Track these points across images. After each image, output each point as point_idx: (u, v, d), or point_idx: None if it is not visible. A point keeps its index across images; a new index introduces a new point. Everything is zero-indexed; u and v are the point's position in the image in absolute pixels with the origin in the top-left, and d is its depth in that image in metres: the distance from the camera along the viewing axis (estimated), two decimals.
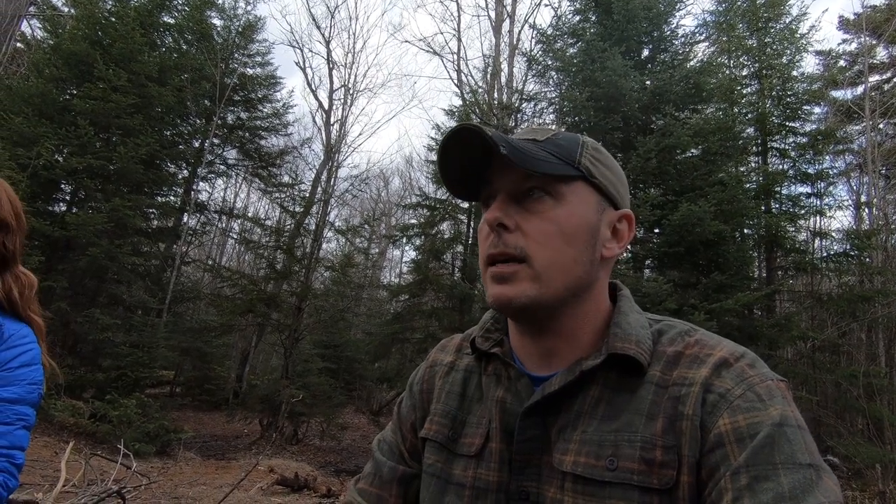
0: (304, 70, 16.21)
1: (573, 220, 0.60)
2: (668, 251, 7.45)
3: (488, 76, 13.26)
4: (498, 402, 0.64)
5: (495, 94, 12.62)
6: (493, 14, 14.17)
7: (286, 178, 13.33)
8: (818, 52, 13.06)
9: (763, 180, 9.00)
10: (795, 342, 8.36)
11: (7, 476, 1.02)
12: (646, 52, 9.55)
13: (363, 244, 16.23)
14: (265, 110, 13.03)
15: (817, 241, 9.78)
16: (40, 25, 11.23)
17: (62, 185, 8.88)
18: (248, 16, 12.44)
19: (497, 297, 0.59)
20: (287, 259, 10.98)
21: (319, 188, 12.65)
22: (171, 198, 11.11)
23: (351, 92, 13.96)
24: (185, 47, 10.88)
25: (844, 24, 14.48)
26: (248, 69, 12.61)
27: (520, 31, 13.77)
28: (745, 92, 9.66)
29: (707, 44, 10.29)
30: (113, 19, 9.04)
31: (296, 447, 9.13)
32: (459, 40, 14.61)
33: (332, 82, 14.20)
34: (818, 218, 9.66)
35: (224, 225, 15.16)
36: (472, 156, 0.62)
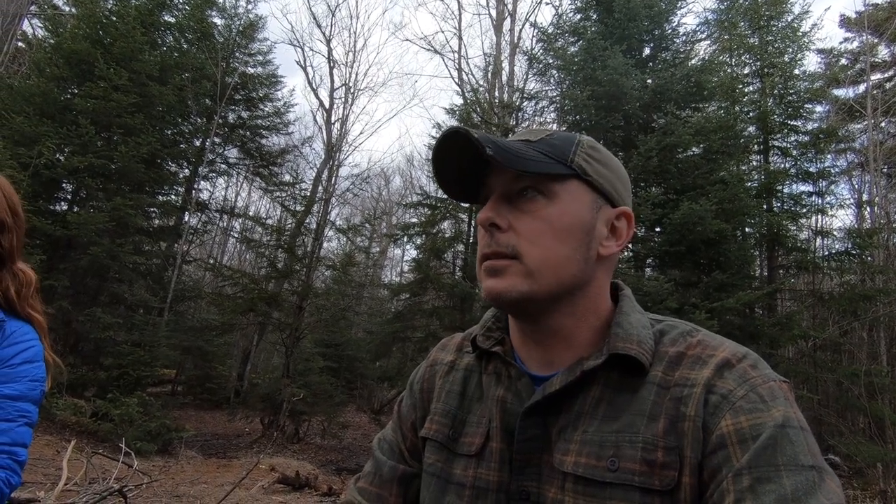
0: (304, 69, 16.20)
1: (565, 218, 0.60)
2: (669, 250, 7.44)
3: (489, 75, 13.26)
4: (498, 401, 0.64)
5: (496, 93, 12.61)
6: (493, 12, 14.16)
7: (287, 177, 13.34)
8: (820, 51, 13.03)
9: (764, 179, 8.99)
10: (797, 341, 8.35)
11: (9, 473, 1.02)
12: (647, 51, 9.53)
13: (364, 243, 16.24)
14: (266, 109, 13.03)
15: (819, 240, 9.77)
16: (41, 24, 11.24)
17: (63, 185, 8.89)
18: (249, 15, 12.44)
19: (489, 290, 0.60)
20: (288, 258, 10.99)
21: (320, 187, 12.65)
22: (173, 197, 11.12)
23: (352, 91, 13.97)
24: (185, 46, 10.88)
25: (846, 22, 14.44)
26: (249, 68, 12.61)
27: (521, 30, 13.77)
28: (746, 90, 9.65)
29: (708, 42, 10.27)
30: (114, 18, 9.04)
31: (297, 446, 9.15)
32: (460, 39, 14.62)
33: (332, 81, 14.22)
34: (820, 216, 9.65)
35: (225, 224, 15.16)
36: (469, 158, 0.62)
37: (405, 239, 11.58)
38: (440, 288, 10.06)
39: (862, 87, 12.58)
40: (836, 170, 9.78)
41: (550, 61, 10.38)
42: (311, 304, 10.96)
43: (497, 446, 0.62)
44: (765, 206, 8.83)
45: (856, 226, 11.04)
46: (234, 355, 13.82)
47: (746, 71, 9.87)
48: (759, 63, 9.56)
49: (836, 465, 7.16)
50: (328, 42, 14.62)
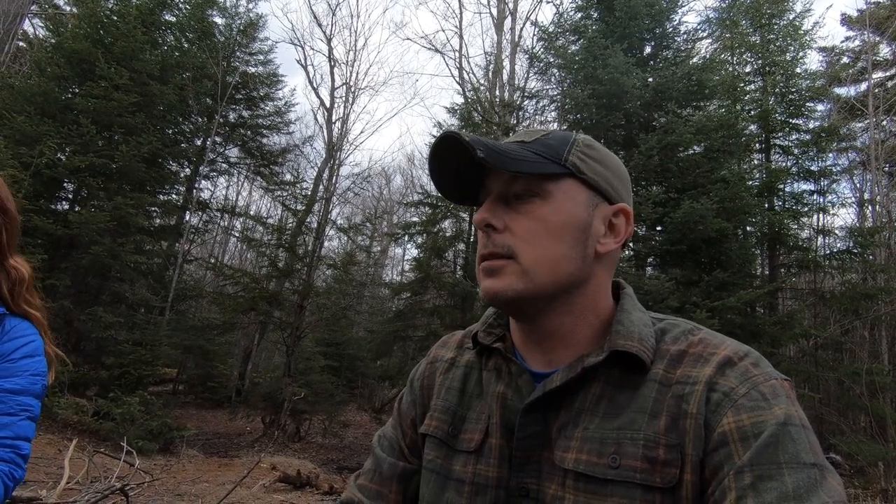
0: (305, 68, 16.25)
1: (559, 216, 0.60)
2: (670, 249, 7.44)
3: (490, 74, 13.24)
4: (498, 397, 0.64)
5: (497, 92, 12.60)
6: (494, 11, 14.15)
7: (288, 177, 13.34)
8: (822, 49, 13.01)
9: (766, 177, 8.98)
10: (798, 340, 8.34)
11: (13, 466, 1.02)
12: (648, 49, 9.51)
13: (365, 242, 16.25)
14: (267, 108, 13.03)
15: (820, 239, 9.77)
16: (42, 24, 11.25)
17: (65, 184, 8.90)
18: (250, 14, 12.44)
19: (486, 290, 0.61)
20: (289, 257, 11.00)
21: (321, 186, 12.65)
22: (174, 196, 11.12)
23: (352, 90, 13.96)
24: (186, 45, 10.88)
25: (848, 20, 14.40)
26: (250, 67, 12.61)
27: (521, 29, 13.75)
28: (748, 89, 9.64)
29: (710, 41, 10.26)
30: (115, 18, 9.04)
31: (298, 445, 9.16)
32: (461, 38, 14.60)
33: (333, 80, 14.20)
34: (821, 215, 9.64)
35: (226, 223, 15.17)
36: (464, 161, 0.62)
37: (406, 238, 11.58)
38: (441, 287, 10.07)
39: (863, 86, 12.56)
40: (838, 168, 9.76)
41: (551, 60, 10.37)
42: (312, 303, 10.97)
43: (496, 442, 0.62)
44: (766, 205, 8.82)
45: (857, 224, 11.02)
46: (236, 354, 13.84)
47: (748, 69, 9.86)
48: (760, 61, 9.55)
49: (837, 463, 7.16)
50: (329, 41, 14.58)
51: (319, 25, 18.46)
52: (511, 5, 13.79)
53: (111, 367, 7.71)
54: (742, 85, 9.48)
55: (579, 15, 10.27)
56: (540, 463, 0.59)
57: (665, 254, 7.73)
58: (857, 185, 12.82)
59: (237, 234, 15.32)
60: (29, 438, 1.07)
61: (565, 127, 9.17)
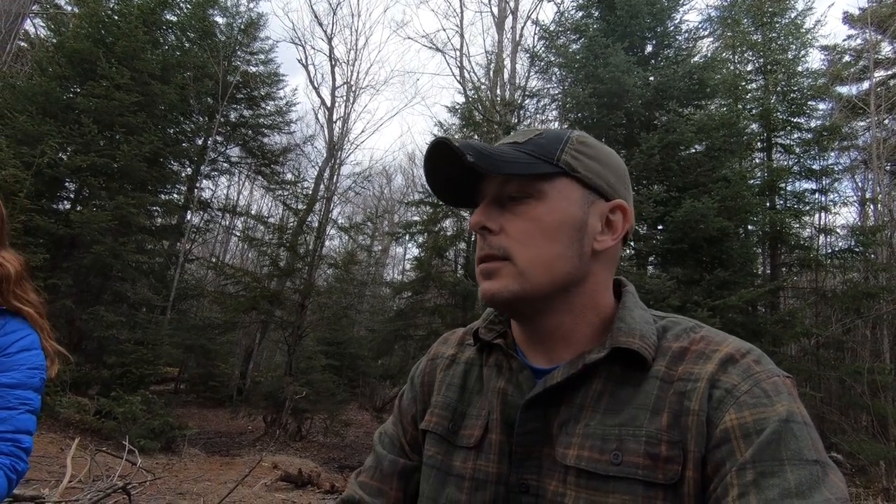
0: (306, 67, 16.25)
1: (554, 216, 0.60)
2: (671, 248, 7.43)
3: (491, 73, 13.23)
4: (499, 392, 0.64)
5: (498, 91, 12.59)
6: (495, 10, 14.14)
7: (289, 176, 13.36)
8: (823, 48, 12.98)
9: (767, 176, 8.97)
10: (799, 339, 8.34)
11: (15, 459, 1.02)
12: (649, 48, 9.50)
13: (366, 241, 16.25)
14: (268, 108, 13.05)
15: (822, 238, 9.75)
16: (44, 24, 11.26)
17: (66, 184, 8.91)
18: (251, 13, 12.45)
19: (484, 293, 0.61)
20: (290, 256, 11.01)
21: (322, 185, 12.66)
22: (175, 195, 11.14)
23: (353, 89, 13.95)
24: (187, 45, 10.89)
25: (850, 18, 14.37)
26: (251, 67, 12.62)
27: (522, 28, 13.75)
28: (749, 87, 9.62)
29: (711, 39, 10.25)
30: (116, 17, 9.04)
31: (299, 444, 9.17)
32: (462, 37, 14.59)
33: (334, 79, 14.19)
34: (823, 214, 9.64)
35: (227, 222, 15.20)
36: (459, 166, 0.62)
37: (407, 237, 11.58)
38: (442, 286, 10.07)
39: (865, 85, 12.53)
40: (840, 167, 9.74)
41: (552, 59, 10.37)
42: (314, 302, 10.98)
43: (496, 438, 0.62)
44: (767, 204, 8.81)
45: (859, 223, 11.00)
46: (237, 353, 13.86)
47: (749, 68, 9.85)
48: (762, 60, 9.53)
49: (839, 462, 7.14)
50: (330, 40, 14.56)
51: (320, 24, 18.48)
52: (512, 4, 13.79)
53: (113, 366, 7.73)
54: (743, 83, 9.46)
55: (580, 14, 10.26)
56: (540, 459, 0.59)
57: (666, 253, 7.73)
58: (859, 184, 12.80)
59: (238, 234, 15.34)
60: (30, 431, 1.07)
61: (566, 126, 9.16)
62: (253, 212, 16.91)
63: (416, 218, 11.37)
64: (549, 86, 11.09)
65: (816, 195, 9.26)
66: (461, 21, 14.80)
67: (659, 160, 7.59)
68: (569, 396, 0.59)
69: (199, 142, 11.87)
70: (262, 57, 12.83)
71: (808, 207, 9.15)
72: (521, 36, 13.53)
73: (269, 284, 11.10)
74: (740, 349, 0.57)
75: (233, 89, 11.10)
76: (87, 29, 8.73)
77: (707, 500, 0.51)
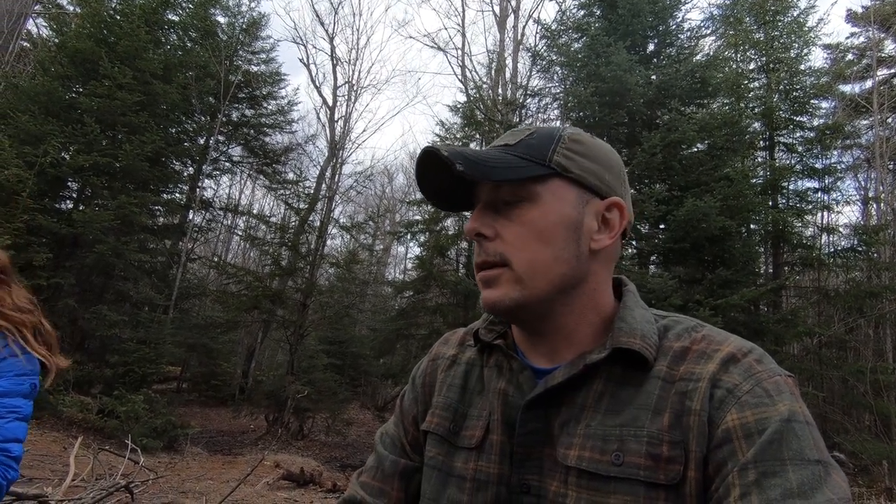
0: (308, 67, 16.22)
1: (548, 218, 0.59)
2: (673, 247, 7.42)
3: (493, 72, 13.22)
4: (499, 393, 0.64)
5: (499, 90, 12.58)
6: (497, 9, 14.13)
7: (291, 175, 13.36)
8: (826, 46, 12.94)
9: (770, 175, 8.95)
10: (802, 338, 8.32)
11: (4, 468, 1.02)
12: (651, 47, 9.48)
13: (367, 241, 16.26)
14: (270, 107, 13.06)
15: (824, 237, 9.72)
16: (46, 24, 11.28)
17: (69, 183, 8.93)
18: (252, 13, 12.46)
19: (484, 301, 0.61)
20: (292, 256, 11.02)
21: (324, 185, 12.67)
22: (177, 195, 11.16)
23: (355, 88, 13.95)
24: (189, 45, 10.90)
25: (853, 17, 14.31)
26: (253, 66, 12.63)
27: (524, 27, 13.74)
28: (751, 86, 9.60)
29: (714, 38, 10.21)
30: (118, 17, 9.06)
31: (301, 442, 9.18)
32: (464, 36, 14.61)
33: (335, 79, 14.19)
34: (825, 213, 9.60)
35: (229, 222, 15.23)
36: (450, 173, 0.61)
37: (408, 236, 11.58)
38: (443, 285, 10.07)
39: (868, 83, 12.48)
40: (842, 166, 9.71)
41: (554, 58, 10.35)
42: (315, 301, 10.99)
43: (497, 439, 0.62)
44: (770, 203, 8.79)
45: (862, 222, 10.97)
46: (239, 352, 13.88)
47: (752, 66, 9.82)
48: (764, 58, 9.50)
49: (841, 462, 7.12)
50: (331, 39, 14.55)
51: (322, 24, 18.42)
52: (513, 3, 13.78)
53: (115, 365, 7.75)
54: (746, 82, 9.44)
55: (582, 12, 10.24)
56: (541, 459, 0.59)
57: (668, 252, 7.71)
58: (862, 183, 12.77)
59: (240, 233, 15.38)
60: (19, 440, 1.05)
61: (568, 124, 9.15)
62: (255, 211, 16.89)
63: (417, 217, 11.36)
64: (550, 85, 11.09)
65: (819, 194, 9.24)
66: (463, 20, 14.82)
67: (661, 159, 7.57)
68: (570, 397, 0.59)
69: (201, 141, 11.88)
70: (264, 56, 12.85)
71: (810, 206, 9.12)
72: (522, 35, 13.53)
73: (271, 284, 11.12)
74: (742, 348, 0.56)
75: (234, 89, 11.11)
76: (89, 29, 8.74)
77: (709, 500, 0.51)
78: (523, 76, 12.40)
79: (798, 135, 9.41)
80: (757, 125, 9.31)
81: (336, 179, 12.53)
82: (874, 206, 11.55)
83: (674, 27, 9.37)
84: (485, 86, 12.85)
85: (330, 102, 14.08)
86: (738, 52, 9.75)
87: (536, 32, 11.91)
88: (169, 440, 7.40)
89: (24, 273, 6.84)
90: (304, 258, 10.97)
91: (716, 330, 0.60)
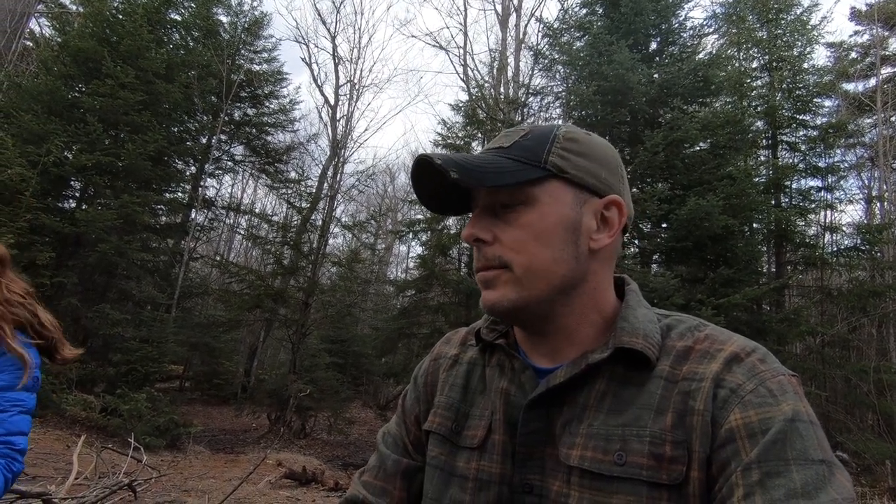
0: (309, 66, 16.17)
1: (546, 220, 0.59)
2: (675, 246, 7.40)
3: (494, 70, 13.21)
4: (501, 393, 0.64)
5: (502, 89, 12.57)
6: (499, 8, 14.11)
7: (293, 174, 13.36)
8: (829, 44, 12.88)
9: (773, 174, 8.92)
10: (805, 337, 8.30)
11: (9, 461, 1.02)
12: (654, 45, 9.46)
13: (369, 240, 16.28)
14: (272, 106, 13.07)
15: (827, 236, 9.68)
16: (48, 23, 11.30)
17: (72, 182, 8.96)
18: (254, 12, 12.46)
19: (484, 302, 0.61)
20: (294, 255, 11.03)
21: (326, 184, 12.68)
22: (179, 194, 11.17)
23: (357, 87, 13.96)
24: (191, 44, 10.92)
25: (856, 15, 14.25)
26: (255, 65, 12.64)
27: (526, 25, 13.70)
28: (754, 85, 9.56)
29: (716, 36, 10.18)
30: (120, 16, 9.08)
31: (303, 441, 9.20)
32: (466, 35, 14.60)
33: (337, 78, 14.19)
34: (828, 212, 9.57)
35: (231, 221, 15.24)
36: (445, 179, 0.61)
37: (410, 235, 11.57)
38: (445, 284, 10.06)
39: (872, 82, 12.43)
40: (845, 165, 9.67)
41: (556, 57, 10.33)
42: (317, 300, 11.01)
43: (499, 438, 0.62)
44: (773, 202, 8.77)
45: (865, 221, 10.93)
46: (241, 351, 13.91)
47: (754, 65, 9.79)
48: (767, 57, 9.47)
49: (844, 461, 7.12)
50: (333, 38, 14.55)
51: (324, 23, 18.43)
52: (515, 2, 13.75)
53: (118, 363, 7.77)
54: (749, 81, 9.40)
55: (584, 11, 10.21)
56: (543, 459, 0.58)
57: (670, 251, 7.70)
58: (865, 182, 12.73)
59: (242, 232, 15.40)
60: (23, 433, 1.07)
61: (569, 122, 9.12)
62: (257, 210, 16.93)
63: (419, 216, 11.35)
64: (552, 83, 11.06)
65: (822, 193, 9.21)
66: (465, 19, 14.87)
67: (663, 158, 7.55)
68: (572, 396, 0.59)
69: (204, 140, 11.90)
70: (266, 55, 12.86)
71: (813, 205, 9.09)
72: (524, 34, 13.50)
73: (273, 282, 11.14)
74: (745, 348, 0.56)
75: (237, 88, 11.13)
76: (91, 28, 8.76)
77: (712, 500, 0.50)
78: (525, 75, 12.39)
79: (801, 133, 9.38)
80: (760, 124, 9.27)
81: (338, 178, 12.54)
82: (877, 204, 11.51)
83: (676, 25, 9.35)
84: (487, 84, 12.84)
85: (332, 101, 14.09)
86: (741, 51, 9.71)
87: (538, 31, 11.92)
88: (171, 439, 7.42)
89: (28, 272, 6.86)
90: (307, 257, 10.99)
91: (719, 329, 0.60)
